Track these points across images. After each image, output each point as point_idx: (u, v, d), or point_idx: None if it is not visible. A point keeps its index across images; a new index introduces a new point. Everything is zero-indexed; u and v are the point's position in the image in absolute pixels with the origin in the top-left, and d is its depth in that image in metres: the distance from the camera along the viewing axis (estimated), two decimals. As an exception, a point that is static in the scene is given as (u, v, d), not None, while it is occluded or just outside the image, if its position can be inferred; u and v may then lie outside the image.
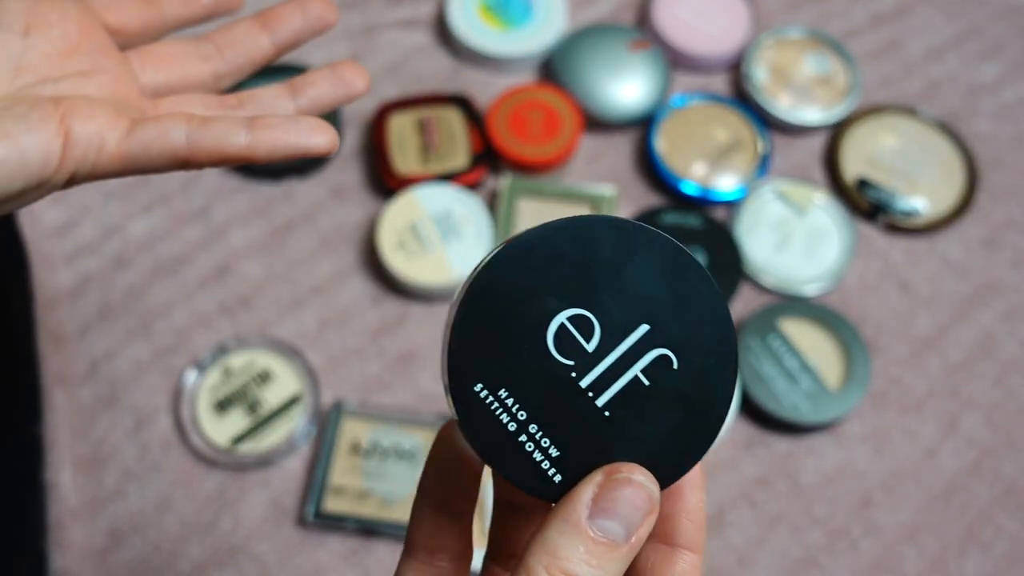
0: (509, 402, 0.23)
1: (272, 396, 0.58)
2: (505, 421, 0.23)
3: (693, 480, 0.25)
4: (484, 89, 0.70)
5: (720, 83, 0.72)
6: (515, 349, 0.23)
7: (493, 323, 0.23)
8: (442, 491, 0.28)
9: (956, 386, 0.62)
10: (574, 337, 0.23)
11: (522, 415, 0.23)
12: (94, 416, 0.57)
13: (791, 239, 0.65)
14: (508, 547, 0.28)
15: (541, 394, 0.23)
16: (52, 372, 0.57)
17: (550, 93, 0.67)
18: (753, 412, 0.60)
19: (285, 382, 0.58)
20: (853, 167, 0.68)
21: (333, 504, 0.55)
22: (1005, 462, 0.60)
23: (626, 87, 0.68)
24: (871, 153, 0.69)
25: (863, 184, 0.68)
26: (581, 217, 0.23)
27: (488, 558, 0.28)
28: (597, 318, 0.23)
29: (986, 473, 0.60)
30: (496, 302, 0.23)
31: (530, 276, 0.23)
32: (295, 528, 0.55)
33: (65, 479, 0.55)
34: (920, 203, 0.67)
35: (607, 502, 0.22)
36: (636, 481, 0.22)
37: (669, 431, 0.23)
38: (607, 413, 0.23)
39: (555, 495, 0.23)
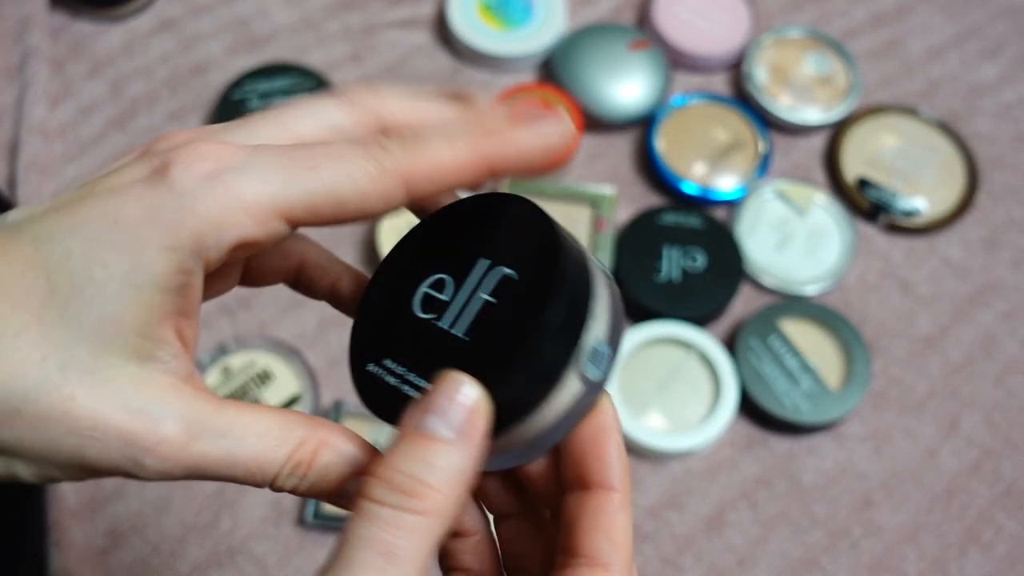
0: (393, 366, 0.26)
1: (272, 396, 0.58)
2: (392, 382, 0.25)
3: (597, 417, 0.26)
4: (484, 89, 0.70)
5: (720, 83, 0.72)
6: (392, 323, 0.26)
7: (378, 308, 0.27)
8: (450, 550, 0.29)
9: (956, 386, 0.62)
10: (433, 296, 0.26)
11: (404, 371, 0.25)
12: (93, 416, 0.57)
13: (791, 239, 0.65)
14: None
15: (415, 349, 0.26)
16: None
17: (550, 93, 0.67)
18: (753, 412, 0.60)
19: (285, 382, 0.58)
20: (853, 167, 0.68)
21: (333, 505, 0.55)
22: (1005, 462, 0.60)
23: (626, 87, 0.68)
24: (871, 153, 0.69)
25: (863, 184, 0.68)
26: (462, 200, 0.27)
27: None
28: (449, 274, 0.26)
29: (986, 473, 0.60)
30: (380, 291, 0.27)
31: (404, 262, 0.27)
32: (295, 529, 0.55)
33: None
34: (920, 203, 0.67)
35: (427, 403, 0.23)
36: (455, 378, 0.23)
37: (534, 336, 0.24)
38: (468, 338, 0.25)
39: None
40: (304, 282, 0.33)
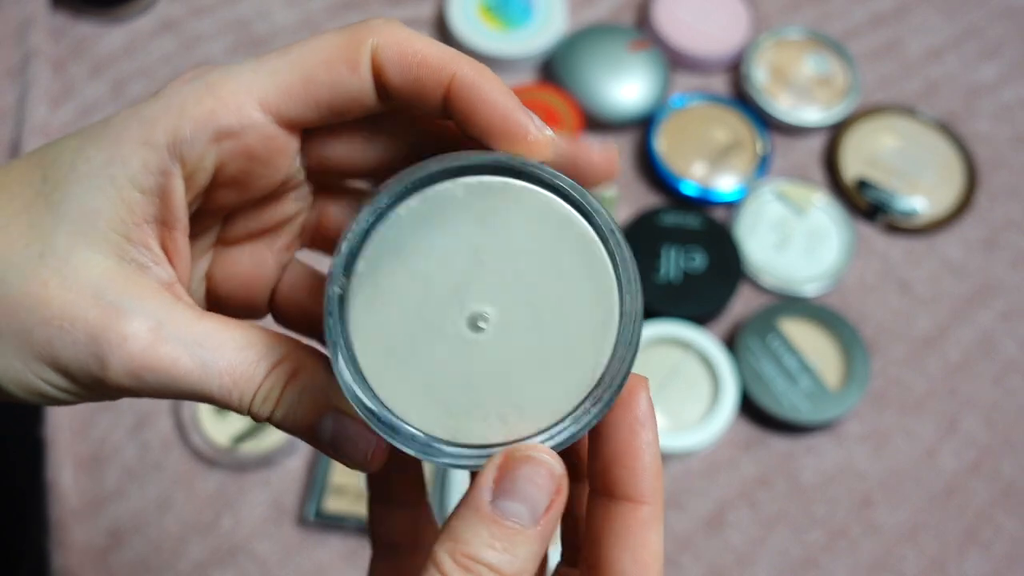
0: None
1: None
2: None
3: (629, 424, 0.23)
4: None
5: (720, 83, 0.72)
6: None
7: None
8: (391, 484, 0.28)
9: (955, 386, 0.62)
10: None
11: None
12: (95, 416, 0.57)
13: (791, 239, 0.65)
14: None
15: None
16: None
17: (550, 93, 0.67)
18: (753, 412, 0.60)
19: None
20: (853, 167, 0.69)
21: (334, 504, 0.55)
22: (1004, 462, 0.60)
23: (626, 87, 0.68)
24: (871, 153, 0.69)
25: (863, 184, 0.68)
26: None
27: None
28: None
29: (985, 473, 0.60)
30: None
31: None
32: (296, 528, 0.55)
33: (66, 479, 0.55)
34: (919, 203, 0.68)
35: (508, 483, 0.21)
36: (536, 459, 0.21)
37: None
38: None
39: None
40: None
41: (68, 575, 0.53)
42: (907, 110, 0.71)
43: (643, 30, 0.73)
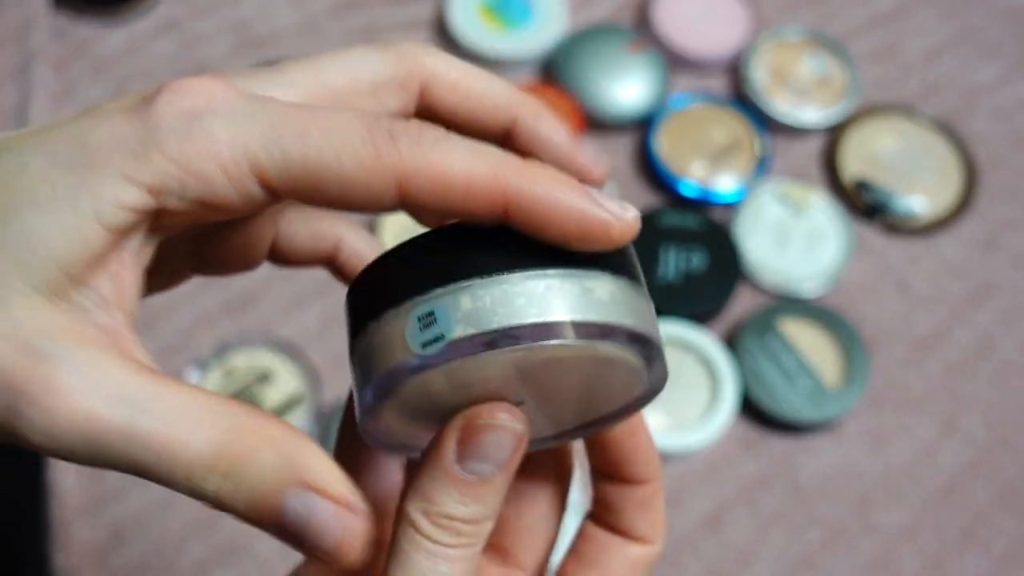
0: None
1: (274, 395, 0.58)
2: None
3: (631, 423, 0.26)
4: (484, 90, 0.70)
5: (719, 84, 0.73)
6: None
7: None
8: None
9: (954, 386, 0.62)
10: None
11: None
12: (96, 416, 0.57)
13: (790, 240, 0.66)
14: None
15: None
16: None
17: (550, 94, 0.67)
18: (752, 412, 0.60)
19: (287, 381, 0.59)
20: (852, 168, 0.69)
21: (334, 503, 0.55)
22: (1003, 461, 0.60)
23: (625, 88, 0.68)
24: (870, 154, 0.69)
25: (862, 185, 0.68)
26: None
27: None
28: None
29: (984, 472, 0.60)
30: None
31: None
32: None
33: (67, 479, 0.55)
34: (918, 204, 0.68)
35: (471, 447, 0.21)
36: (497, 425, 0.21)
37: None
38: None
39: None
40: (341, 269, 0.29)
41: (69, 575, 0.53)
42: (906, 110, 0.71)
43: (643, 31, 0.73)
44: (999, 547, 0.58)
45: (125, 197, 0.20)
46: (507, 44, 0.70)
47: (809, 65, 0.72)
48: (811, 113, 0.70)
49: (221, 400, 0.21)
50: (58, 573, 0.53)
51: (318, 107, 0.21)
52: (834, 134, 0.70)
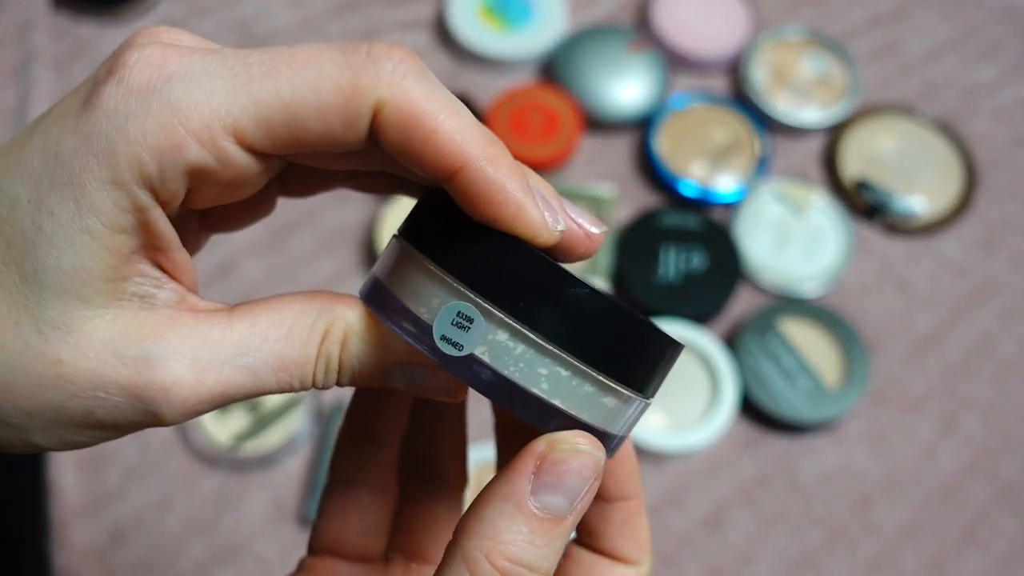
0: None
1: (273, 395, 0.58)
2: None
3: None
4: (484, 90, 0.70)
5: (719, 84, 0.73)
6: None
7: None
8: (368, 419, 0.27)
9: (954, 386, 0.62)
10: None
11: None
12: (96, 416, 0.57)
13: (790, 239, 0.66)
14: None
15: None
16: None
17: (550, 94, 0.67)
18: (752, 412, 0.60)
19: (286, 382, 0.59)
20: (852, 168, 0.69)
21: (334, 503, 0.55)
22: (1003, 461, 0.60)
23: (626, 88, 0.68)
24: (870, 154, 0.69)
25: (862, 185, 0.68)
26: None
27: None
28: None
29: (984, 472, 0.60)
30: None
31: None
32: (296, 527, 0.55)
33: (67, 479, 0.55)
34: (918, 203, 0.68)
35: (551, 476, 0.20)
36: (582, 451, 0.21)
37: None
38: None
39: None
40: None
41: (69, 575, 0.53)
42: (906, 110, 0.71)
43: (643, 31, 0.73)
44: (999, 547, 0.58)
45: (120, 202, 0.20)
46: (507, 44, 0.70)
47: (809, 65, 0.72)
48: (811, 113, 0.70)
49: (306, 308, 0.22)
50: (58, 572, 0.53)
51: (280, 48, 0.20)
52: (834, 134, 0.70)
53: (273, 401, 0.58)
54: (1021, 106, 0.73)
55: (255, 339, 0.21)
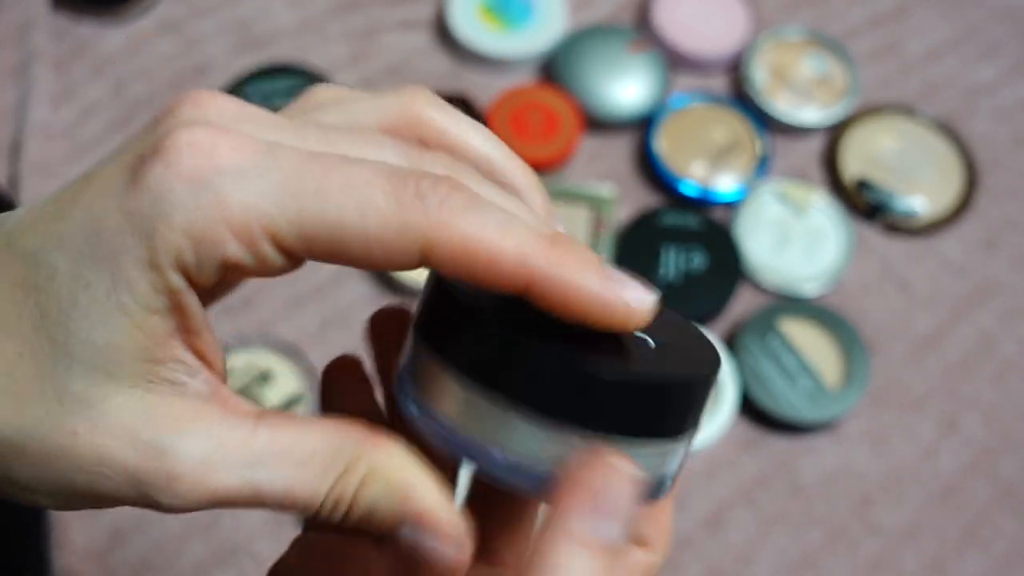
0: None
1: (273, 396, 0.58)
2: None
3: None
4: (484, 90, 0.70)
5: (719, 84, 0.72)
6: None
7: None
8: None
9: (955, 386, 0.62)
10: None
11: None
12: (96, 416, 0.57)
13: (790, 239, 0.66)
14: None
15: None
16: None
17: (550, 94, 0.67)
18: (752, 412, 0.60)
19: (286, 382, 0.59)
20: (852, 168, 0.69)
21: (334, 503, 0.55)
22: (1004, 462, 0.60)
23: (626, 88, 0.68)
24: (870, 154, 0.69)
25: (862, 185, 0.68)
26: None
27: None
28: None
29: (985, 473, 0.60)
30: None
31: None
32: (297, 528, 0.55)
33: (67, 479, 0.55)
34: (919, 203, 0.68)
35: (605, 503, 0.20)
36: (627, 475, 0.21)
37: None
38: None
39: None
40: None
41: (69, 575, 0.53)
42: (907, 110, 0.71)
43: (643, 30, 0.73)
44: (1000, 548, 0.58)
45: (156, 283, 0.20)
46: (507, 44, 0.70)
47: (809, 65, 0.72)
48: (811, 113, 0.70)
49: (340, 434, 0.22)
50: (58, 573, 0.53)
51: (335, 157, 0.20)
52: (834, 134, 0.70)
53: (272, 402, 0.58)
54: (1022, 106, 0.73)
55: (272, 456, 0.21)
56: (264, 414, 0.22)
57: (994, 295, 0.66)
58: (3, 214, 0.22)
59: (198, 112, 0.21)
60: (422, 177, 0.20)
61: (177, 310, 0.20)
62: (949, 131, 0.70)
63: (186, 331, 0.21)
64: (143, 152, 0.20)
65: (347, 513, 0.21)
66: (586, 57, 0.69)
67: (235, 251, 0.20)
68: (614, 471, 0.21)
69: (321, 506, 0.21)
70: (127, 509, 0.56)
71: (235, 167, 0.19)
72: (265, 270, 0.20)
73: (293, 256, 0.20)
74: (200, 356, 0.21)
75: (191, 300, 0.20)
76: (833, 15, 0.76)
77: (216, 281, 0.20)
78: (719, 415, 0.58)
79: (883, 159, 0.69)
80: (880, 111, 0.71)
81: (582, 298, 0.20)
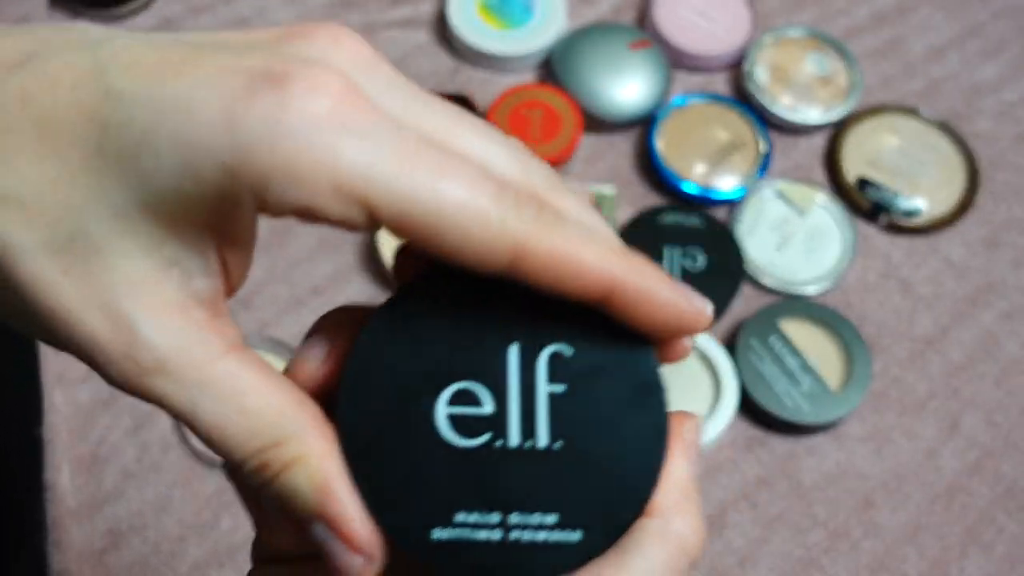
0: (470, 518, 0.21)
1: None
2: (486, 537, 0.20)
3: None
4: (484, 89, 0.70)
5: (721, 83, 0.72)
6: (423, 463, 0.21)
7: (386, 449, 0.21)
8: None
9: (957, 386, 0.62)
10: (465, 416, 0.21)
11: (487, 518, 0.21)
12: (93, 416, 0.57)
13: (792, 239, 0.65)
14: None
15: (487, 484, 0.20)
16: (52, 372, 0.57)
17: (550, 93, 0.67)
18: (754, 412, 0.60)
19: (285, 382, 0.58)
20: (854, 167, 0.68)
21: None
22: (1006, 462, 0.60)
23: (626, 87, 0.68)
24: (872, 153, 0.69)
25: (864, 184, 0.68)
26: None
27: None
28: (471, 378, 0.21)
29: (987, 474, 0.60)
30: (372, 422, 0.21)
31: (390, 369, 0.21)
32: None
33: (64, 479, 0.55)
34: (921, 203, 0.67)
35: (695, 454, 0.23)
36: (692, 422, 0.23)
37: (625, 413, 0.21)
38: (559, 446, 0.21)
39: (588, 552, 0.21)
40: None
41: (66, 576, 0.53)
42: (909, 110, 0.71)
43: (644, 29, 0.73)
44: (1002, 548, 0.57)
45: (225, 187, 0.19)
46: (507, 43, 0.70)
47: (811, 64, 0.72)
48: (813, 112, 0.70)
49: (282, 398, 0.21)
50: (56, 573, 0.53)
51: (447, 150, 0.20)
52: (836, 133, 0.70)
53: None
54: (1024, 105, 0.73)
55: (222, 389, 0.21)
56: (239, 348, 0.21)
57: (996, 295, 0.65)
58: (96, 31, 0.21)
59: (334, 52, 0.21)
60: (519, 191, 0.20)
61: (231, 215, 0.20)
62: (951, 130, 0.70)
63: (223, 235, 0.20)
64: (270, 67, 0.19)
65: (267, 486, 0.21)
66: (587, 56, 0.69)
67: (325, 202, 0.19)
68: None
69: (243, 464, 0.21)
70: (127, 509, 0.56)
71: (358, 128, 0.19)
72: (338, 224, 0.20)
73: (375, 225, 0.20)
74: (222, 264, 0.21)
75: (248, 215, 0.20)
76: (835, 14, 0.76)
77: (279, 215, 0.20)
78: (720, 415, 0.58)
79: (885, 158, 0.69)
80: (882, 110, 0.71)
81: (659, 303, 0.21)
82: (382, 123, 0.20)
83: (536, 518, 0.20)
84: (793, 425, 0.59)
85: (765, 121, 0.69)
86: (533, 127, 0.65)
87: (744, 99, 0.71)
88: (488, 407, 0.21)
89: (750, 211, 0.66)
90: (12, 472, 0.55)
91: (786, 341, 0.61)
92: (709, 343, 0.60)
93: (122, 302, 0.20)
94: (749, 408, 0.60)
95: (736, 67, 0.72)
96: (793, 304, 0.62)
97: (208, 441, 0.21)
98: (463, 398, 0.21)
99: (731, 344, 0.61)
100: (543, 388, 0.21)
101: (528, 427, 0.21)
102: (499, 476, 0.20)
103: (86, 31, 0.21)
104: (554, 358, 0.21)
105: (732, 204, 0.66)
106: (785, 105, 0.69)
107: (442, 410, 0.21)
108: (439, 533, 0.20)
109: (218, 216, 0.20)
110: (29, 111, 0.20)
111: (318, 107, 0.19)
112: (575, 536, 0.21)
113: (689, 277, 0.62)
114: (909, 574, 0.56)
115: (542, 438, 0.21)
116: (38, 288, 0.20)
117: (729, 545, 0.57)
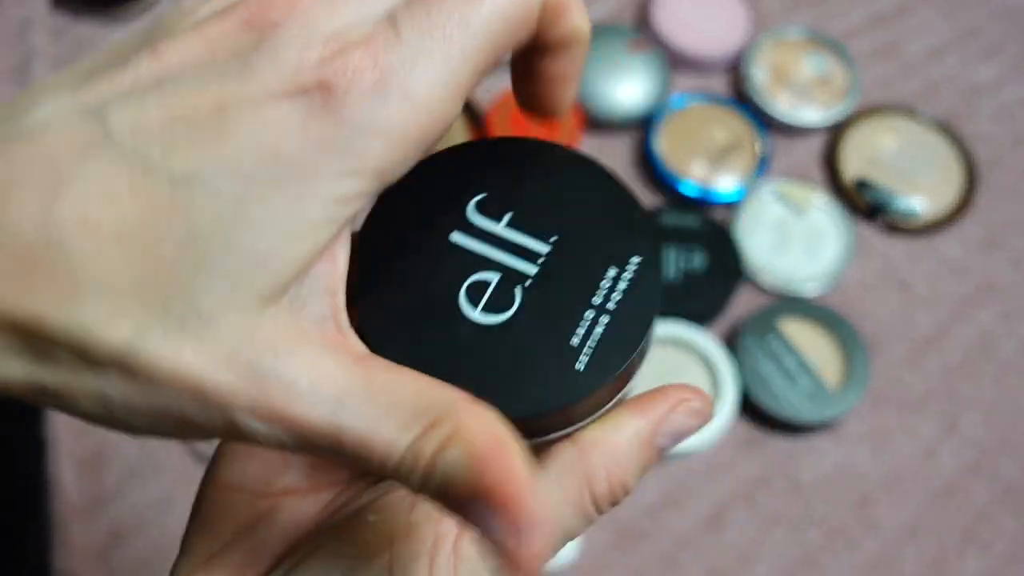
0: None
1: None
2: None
3: None
4: (484, 90, 0.70)
5: (720, 84, 0.72)
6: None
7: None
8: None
9: (955, 386, 0.62)
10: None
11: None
12: (96, 416, 0.57)
13: (790, 239, 0.66)
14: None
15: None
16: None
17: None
18: (752, 412, 0.60)
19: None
20: (852, 167, 0.69)
21: (334, 503, 0.55)
22: (1004, 462, 0.60)
23: (626, 88, 0.68)
24: (870, 153, 0.69)
25: (862, 184, 0.68)
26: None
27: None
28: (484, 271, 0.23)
29: (985, 473, 0.60)
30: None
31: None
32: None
33: (67, 478, 0.55)
34: (919, 203, 0.68)
35: (675, 425, 0.23)
36: (704, 412, 0.23)
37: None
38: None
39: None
40: None
41: (69, 574, 0.53)
42: (907, 110, 0.71)
43: (643, 30, 0.73)
44: (999, 547, 0.58)
45: (355, 186, 0.19)
46: (507, 44, 0.70)
47: (810, 65, 0.72)
48: (812, 113, 0.70)
49: (424, 384, 0.20)
50: (58, 573, 0.53)
51: None
52: (835, 134, 0.70)
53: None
54: (1022, 106, 0.73)
55: (360, 396, 0.19)
56: (367, 356, 0.20)
57: (994, 295, 0.66)
58: (98, 115, 0.19)
59: (330, 22, 0.20)
60: None
61: (352, 218, 0.20)
62: (949, 131, 0.70)
63: (336, 243, 0.20)
64: (304, 82, 0.19)
65: (423, 478, 0.19)
66: (586, 57, 0.69)
67: (428, 127, 0.20)
68: (699, 410, 0.24)
69: (400, 463, 0.19)
70: (126, 509, 0.56)
71: (399, 59, 0.19)
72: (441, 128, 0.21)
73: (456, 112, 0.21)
74: (333, 277, 0.20)
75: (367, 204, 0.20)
76: (833, 15, 0.76)
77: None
78: (719, 415, 0.58)
79: (883, 159, 0.69)
80: (880, 111, 0.71)
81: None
82: (403, 37, 0.20)
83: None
84: (792, 424, 0.59)
85: (764, 122, 0.69)
86: (533, 128, 0.65)
87: (743, 100, 0.71)
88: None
89: (749, 211, 0.66)
90: (14, 471, 0.55)
91: (785, 341, 0.61)
92: (709, 343, 0.60)
93: (241, 353, 0.19)
94: (748, 407, 0.60)
95: (735, 68, 0.73)
96: (792, 304, 0.62)
97: (364, 461, 0.19)
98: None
99: (730, 344, 0.61)
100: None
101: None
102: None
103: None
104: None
105: (731, 205, 0.67)
106: (784, 106, 0.70)
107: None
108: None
109: (337, 228, 0.19)
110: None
111: (368, 80, 0.20)
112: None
113: (688, 277, 0.62)
114: (907, 572, 0.57)
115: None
116: (161, 367, 0.18)
117: (728, 543, 0.57)
